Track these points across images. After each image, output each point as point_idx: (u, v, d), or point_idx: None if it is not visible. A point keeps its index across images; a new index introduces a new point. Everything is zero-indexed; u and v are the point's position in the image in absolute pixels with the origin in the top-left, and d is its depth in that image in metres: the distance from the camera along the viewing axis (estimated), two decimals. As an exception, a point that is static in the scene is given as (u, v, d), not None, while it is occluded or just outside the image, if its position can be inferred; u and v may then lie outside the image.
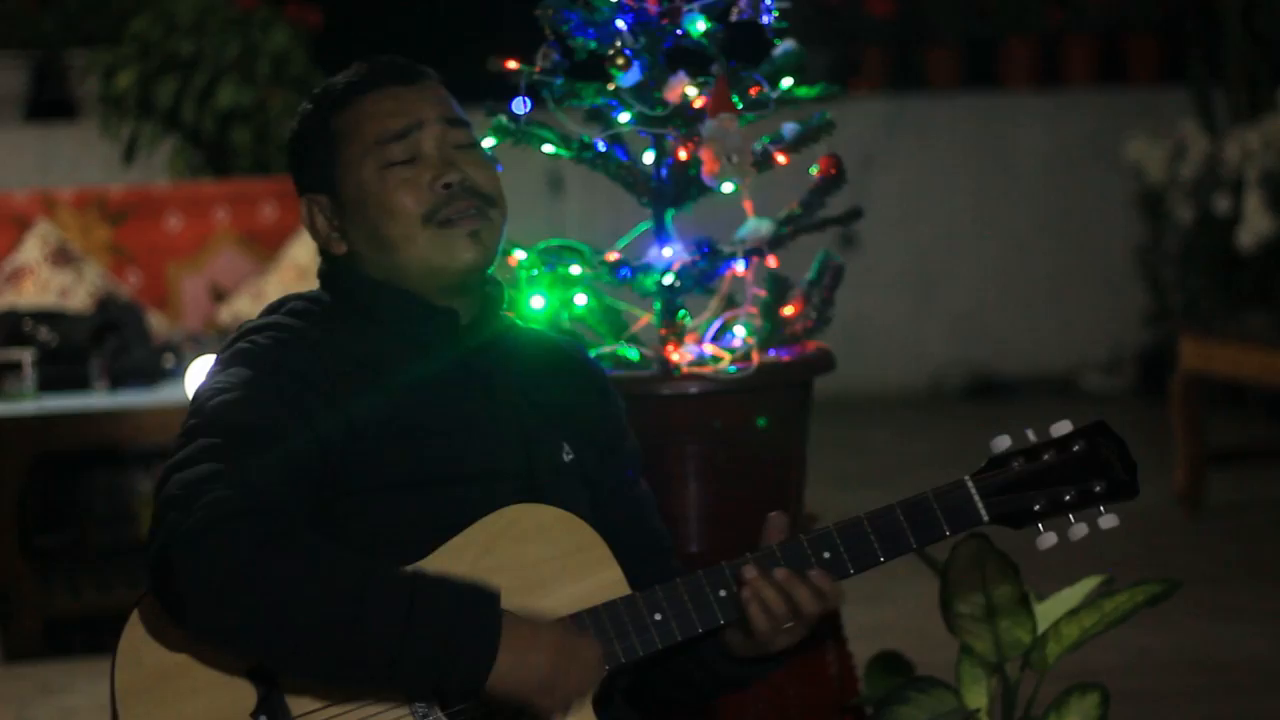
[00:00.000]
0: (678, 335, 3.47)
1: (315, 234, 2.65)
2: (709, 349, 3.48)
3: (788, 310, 3.52)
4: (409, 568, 2.40)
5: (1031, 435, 2.58)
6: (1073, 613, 3.14)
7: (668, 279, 3.44)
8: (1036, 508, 2.55)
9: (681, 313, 3.48)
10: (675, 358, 3.46)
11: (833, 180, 3.51)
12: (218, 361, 2.54)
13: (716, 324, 3.53)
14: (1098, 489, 2.56)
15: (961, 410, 9.13)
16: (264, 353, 2.50)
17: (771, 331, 3.51)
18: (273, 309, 2.62)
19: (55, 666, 5.24)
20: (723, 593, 2.50)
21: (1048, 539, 2.56)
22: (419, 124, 2.59)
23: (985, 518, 2.55)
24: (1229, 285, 8.60)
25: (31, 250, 6.52)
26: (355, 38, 9.14)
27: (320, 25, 8.39)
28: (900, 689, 3.09)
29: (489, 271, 2.63)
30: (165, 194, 6.88)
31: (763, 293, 3.52)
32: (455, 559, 2.45)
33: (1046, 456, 2.56)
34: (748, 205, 3.55)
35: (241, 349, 2.52)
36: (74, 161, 8.40)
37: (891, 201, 9.21)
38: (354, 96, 2.61)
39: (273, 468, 2.39)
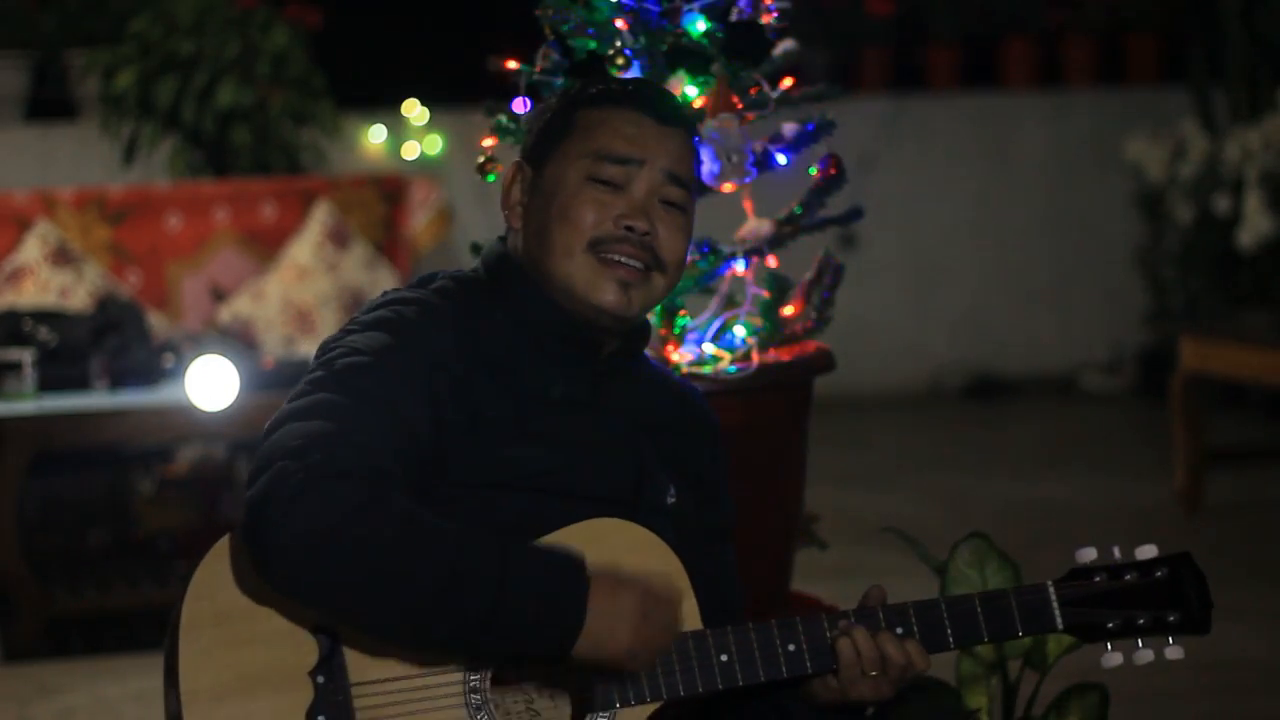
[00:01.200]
0: (678, 335, 3.47)
1: (505, 198, 2.63)
2: (709, 349, 3.48)
3: (788, 310, 3.52)
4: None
5: (1117, 553, 2.60)
6: (1073, 613, 3.13)
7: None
8: (1110, 625, 2.57)
9: (681, 312, 3.48)
10: (675, 358, 3.46)
11: (833, 180, 3.52)
12: (356, 322, 2.53)
13: (716, 324, 3.53)
14: (1171, 619, 2.58)
15: (961, 410, 9.13)
16: (406, 326, 2.50)
17: (771, 331, 3.51)
18: (423, 283, 2.61)
19: (55, 666, 5.24)
20: (791, 647, 2.49)
21: (1113, 659, 2.58)
22: (643, 162, 2.57)
23: (1060, 625, 2.57)
24: (1229, 285, 8.60)
25: (31, 250, 6.53)
26: (355, 38, 9.14)
27: (320, 25, 8.38)
28: (900, 689, 3.09)
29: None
30: (165, 194, 6.88)
31: (763, 293, 3.53)
32: None
33: (1128, 577, 2.58)
34: (748, 205, 3.55)
35: (385, 317, 2.51)
36: (74, 161, 8.40)
37: (891, 201, 9.21)
38: (608, 103, 2.59)
39: (386, 438, 2.39)
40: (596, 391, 2.59)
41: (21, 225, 6.60)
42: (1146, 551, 2.60)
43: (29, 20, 8.65)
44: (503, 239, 2.66)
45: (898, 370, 9.39)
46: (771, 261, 3.51)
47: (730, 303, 3.57)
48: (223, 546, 2.41)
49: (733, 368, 3.45)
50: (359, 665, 2.38)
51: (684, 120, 2.63)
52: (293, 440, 2.36)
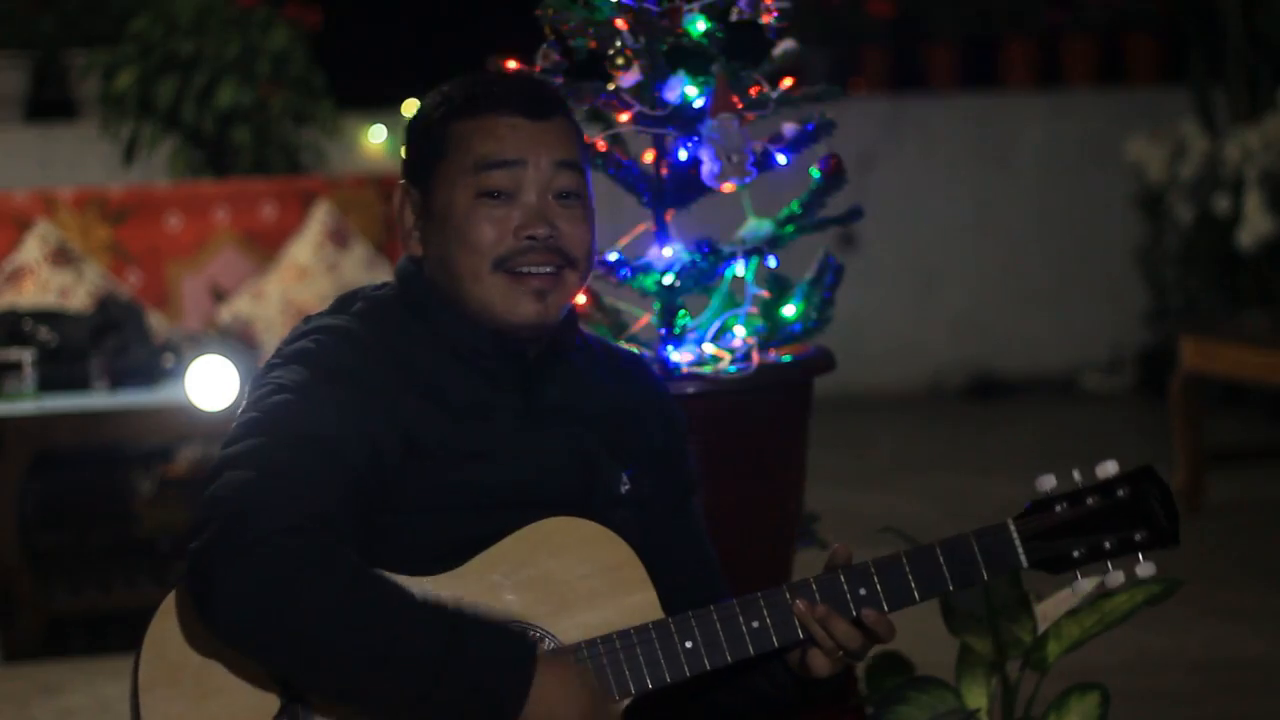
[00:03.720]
0: (678, 335, 3.47)
1: (400, 224, 2.59)
2: (709, 349, 3.48)
3: (788, 310, 3.52)
4: (449, 596, 2.39)
5: (1077, 476, 2.55)
6: (1073, 613, 3.14)
7: (668, 279, 3.44)
8: (1076, 554, 2.53)
9: (681, 313, 3.48)
10: (675, 358, 3.46)
11: (833, 180, 3.51)
12: (280, 354, 2.50)
13: (716, 324, 3.53)
14: (1138, 537, 2.54)
15: (961, 410, 9.13)
16: (329, 357, 2.46)
17: (771, 331, 3.51)
18: (343, 304, 2.58)
19: (55, 666, 5.24)
20: (755, 624, 2.47)
21: (1083, 585, 2.55)
22: (526, 161, 2.52)
23: (1025, 563, 2.53)
24: (1229, 285, 8.60)
25: (31, 250, 6.52)
26: (355, 38, 9.14)
27: (320, 25, 8.38)
28: (900, 689, 3.09)
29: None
30: (165, 194, 6.88)
31: (763, 293, 3.52)
32: (490, 570, 2.44)
33: (1090, 501, 2.54)
34: (748, 205, 3.55)
35: (307, 349, 2.48)
36: (74, 161, 8.40)
37: (891, 201, 9.21)
38: (476, 111, 2.53)
39: (324, 480, 2.36)
40: (531, 395, 2.55)
41: (21, 225, 6.60)
42: (1107, 470, 2.55)
43: (29, 20, 8.65)
44: (411, 260, 2.61)
45: (898, 370, 9.39)
46: (771, 261, 3.51)
47: (730, 303, 3.57)
48: (170, 603, 2.40)
49: (733, 368, 3.44)
50: (323, 708, 2.37)
51: (558, 109, 2.57)
52: (231, 492, 2.32)
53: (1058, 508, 2.53)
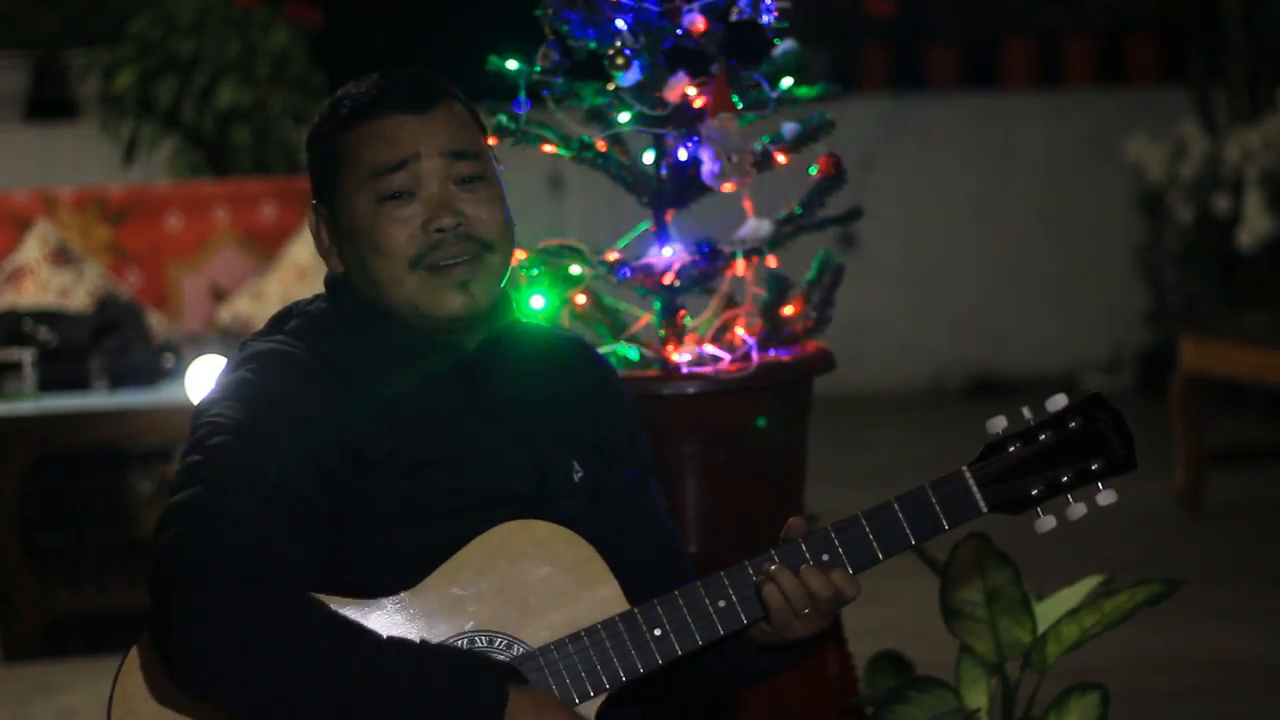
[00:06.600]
0: (678, 335, 3.47)
1: (318, 244, 2.58)
2: (709, 349, 3.48)
3: (788, 310, 3.51)
4: (416, 628, 2.38)
5: (1028, 414, 2.54)
6: (1073, 613, 3.13)
7: (668, 279, 3.44)
8: (1034, 492, 2.51)
9: (681, 313, 3.48)
10: (675, 358, 3.45)
11: (833, 180, 3.51)
12: (219, 388, 2.47)
13: (716, 324, 3.53)
14: (1095, 467, 2.53)
15: (961, 410, 9.13)
16: (266, 387, 2.44)
17: (771, 331, 3.50)
18: (276, 324, 2.56)
19: (55, 666, 5.24)
20: (721, 603, 2.47)
21: (1046, 523, 2.53)
22: (418, 156, 2.49)
23: (984, 508, 2.51)
24: (1229, 285, 8.60)
25: (31, 250, 6.52)
26: (355, 37, 9.14)
27: (320, 25, 8.38)
28: (900, 689, 3.09)
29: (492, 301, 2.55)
30: (165, 194, 6.88)
31: (763, 293, 3.52)
32: (450, 583, 2.43)
33: (1043, 437, 2.52)
34: (748, 205, 3.54)
35: (244, 380, 2.46)
36: (74, 161, 8.40)
37: (891, 201, 9.21)
38: (360, 120, 2.51)
39: (275, 520, 2.34)
40: (474, 389, 2.53)
41: (21, 225, 6.60)
42: (1056, 403, 2.54)
43: (29, 20, 8.65)
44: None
45: (898, 370, 9.38)
46: (771, 261, 3.51)
47: (730, 303, 3.57)
48: (134, 659, 2.39)
49: (733, 367, 3.44)
50: None
51: (440, 96, 2.54)
52: (184, 548, 2.31)
53: (1011, 448, 2.52)
